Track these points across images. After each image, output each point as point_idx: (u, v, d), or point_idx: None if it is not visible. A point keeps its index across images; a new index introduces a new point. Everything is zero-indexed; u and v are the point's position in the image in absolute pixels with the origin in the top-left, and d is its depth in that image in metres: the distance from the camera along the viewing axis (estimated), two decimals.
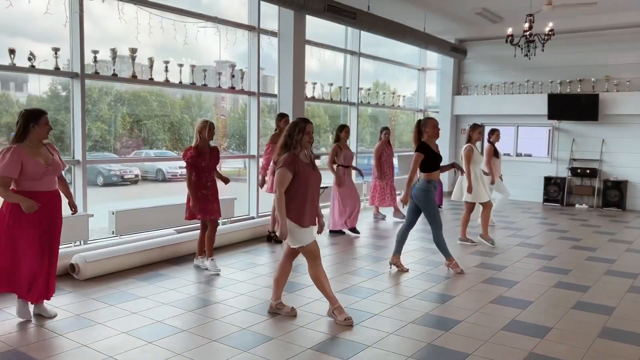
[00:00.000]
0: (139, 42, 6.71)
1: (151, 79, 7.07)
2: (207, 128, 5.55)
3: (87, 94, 6.44)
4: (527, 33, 8.41)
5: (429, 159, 5.59)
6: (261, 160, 8.23)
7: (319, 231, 4.44)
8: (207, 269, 5.75)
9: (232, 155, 9.27)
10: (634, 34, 10.69)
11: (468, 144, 7.27)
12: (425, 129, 5.67)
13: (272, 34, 8.67)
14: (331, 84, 10.52)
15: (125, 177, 10.30)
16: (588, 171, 11.31)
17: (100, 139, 7.91)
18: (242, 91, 8.49)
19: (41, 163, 4.00)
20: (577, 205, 11.46)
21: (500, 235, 7.98)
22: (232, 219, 7.93)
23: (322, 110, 11.53)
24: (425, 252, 6.88)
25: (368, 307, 4.68)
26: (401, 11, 10.22)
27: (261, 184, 7.43)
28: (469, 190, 7.08)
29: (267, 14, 8.73)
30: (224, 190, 10.25)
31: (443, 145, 13.07)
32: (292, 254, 4.42)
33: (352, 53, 11.15)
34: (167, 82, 7.28)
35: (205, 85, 7.83)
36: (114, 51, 6.58)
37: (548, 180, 11.68)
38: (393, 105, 12.84)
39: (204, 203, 5.61)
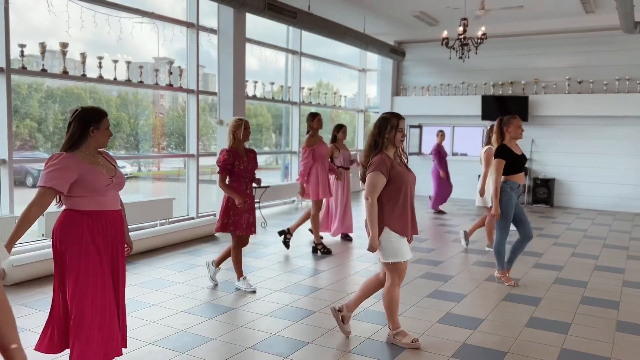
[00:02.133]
0: (70, 37, 6.45)
1: (84, 75, 6.80)
2: (242, 127, 4.93)
3: (15, 90, 6.13)
4: (462, 36, 8.71)
5: (510, 162, 5.16)
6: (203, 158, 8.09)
7: (409, 241, 3.86)
8: (239, 289, 5.13)
9: (171, 154, 9.07)
10: (560, 39, 11.31)
11: (488, 146, 6.87)
12: (508, 128, 5.21)
13: (212, 31, 8.55)
14: (272, 83, 10.51)
15: None
16: None
17: (30, 138, 7.54)
18: (180, 89, 8.32)
19: (104, 174, 3.06)
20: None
21: (437, 232, 8.23)
22: (170, 219, 7.76)
23: (265, 109, 11.49)
24: (363, 248, 6.99)
25: (308, 305, 4.71)
26: (341, 12, 10.35)
27: (301, 192, 6.82)
28: (482, 193, 6.86)
29: (205, 11, 8.61)
30: (163, 190, 10.05)
31: None
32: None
33: (294, 52, 11.18)
34: (100, 79, 7.03)
35: (141, 82, 7.62)
36: (42, 45, 6.29)
37: None
38: (334, 105, 12.97)
39: (240, 215, 4.94)
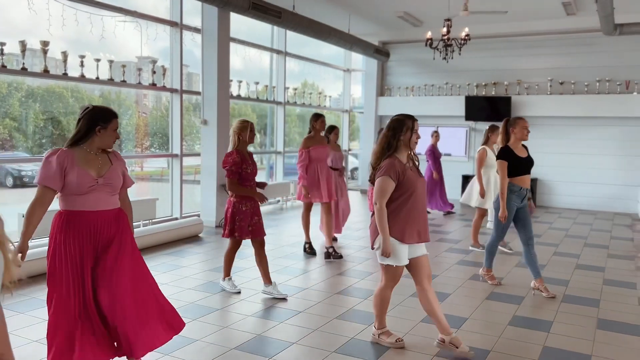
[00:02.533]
0: (51, 35, 6.36)
1: (65, 74, 6.71)
2: (249, 129, 4.80)
3: None
4: (445, 37, 8.77)
5: (511, 164, 5.06)
6: (186, 159, 8.01)
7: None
8: (269, 294, 4.94)
9: (154, 154, 9.00)
10: (542, 41, 11.45)
11: (482, 147, 6.96)
12: (514, 129, 5.11)
13: (196, 30, 8.50)
14: (257, 83, 10.47)
15: None
16: None
17: (10, 137, 7.43)
18: (163, 88, 8.26)
19: (89, 174, 2.99)
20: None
21: None
22: (154, 220, 7.70)
23: (250, 109, 11.46)
24: (352, 249, 7.00)
25: (294, 305, 4.71)
26: (326, 12, 10.36)
27: (303, 195, 6.55)
28: (482, 194, 6.84)
29: (189, 10, 8.55)
30: (147, 191, 9.96)
31: (367, 146, 13.40)
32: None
33: (278, 52, 11.16)
34: (82, 78, 6.94)
35: (124, 81, 7.54)
36: (23, 44, 6.19)
37: (465, 179, 12.22)
38: (319, 105, 12.97)
39: (245, 220, 4.81)
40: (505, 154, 5.09)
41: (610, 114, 10.77)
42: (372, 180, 3.71)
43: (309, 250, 6.65)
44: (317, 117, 6.62)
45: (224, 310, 4.54)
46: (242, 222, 4.81)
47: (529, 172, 5.15)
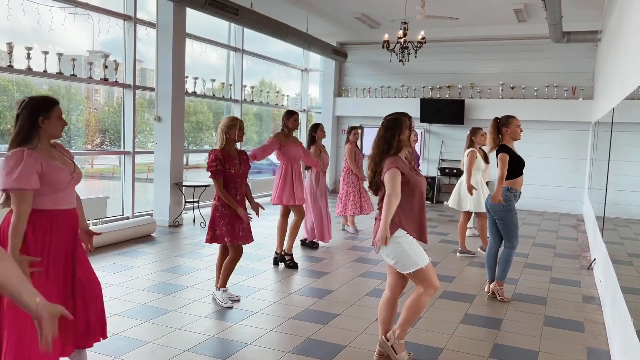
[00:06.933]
0: None
1: (10, 66, 6.42)
2: (237, 127, 4.50)
3: None
4: (402, 40, 8.88)
5: (511, 162, 4.85)
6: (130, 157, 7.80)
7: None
8: (214, 299, 4.75)
9: (105, 151, 8.73)
10: (495, 46, 11.77)
11: (470, 149, 6.80)
12: (508, 129, 4.90)
13: (150, 24, 8.29)
14: (213, 80, 10.32)
15: None
16: (455, 171, 12.24)
17: None
18: (115, 83, 8.02)
19: (64, 169, 2.88)
20: (445, 203, 12.32)
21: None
22: (104, 219, 7.46)
23: (206, 106, 11.28)
24: (306, 249, 6.99)
25: (248, 306, 4.66)
26: (284, 11, 10.31)
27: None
28: (470, 191, 6.67)
29: (143, 4, 8.33)
30: (97, 189, 9.64)
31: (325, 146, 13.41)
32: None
33: (235, 49, 11.03)
34: (29, 70, 6.66)
35: (74, 75, 7.28)
36: None
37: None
38: (277, 104, 12.91)
39: (233, 224, 4.50)
40: (506, 148, 4.89)
41: (558, 118, 11.17)
42: (372, 187, 3.52)
43: (280, 261, 6.13)
44: (290, 115, 6.09)
45: (177, 312, 4.44)
46: (229, 226, 4.49)
47: (523, 173, 5.01)
